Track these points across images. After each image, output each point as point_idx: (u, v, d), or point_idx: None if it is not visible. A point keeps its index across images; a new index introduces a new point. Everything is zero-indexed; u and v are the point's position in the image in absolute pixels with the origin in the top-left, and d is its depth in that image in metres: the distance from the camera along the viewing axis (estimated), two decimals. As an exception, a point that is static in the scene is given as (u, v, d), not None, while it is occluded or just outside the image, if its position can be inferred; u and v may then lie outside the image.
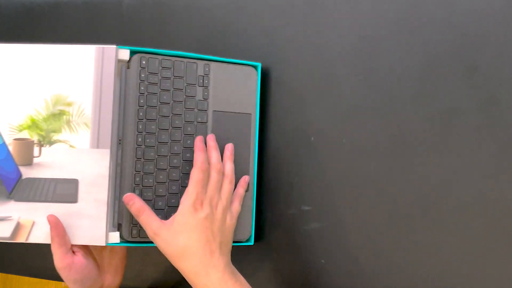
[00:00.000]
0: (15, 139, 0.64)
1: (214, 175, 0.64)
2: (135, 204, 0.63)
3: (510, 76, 0.63)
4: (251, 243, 0.70)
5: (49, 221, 0.61)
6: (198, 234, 0.60)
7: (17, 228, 0.62)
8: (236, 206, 0.66)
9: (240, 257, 0.67)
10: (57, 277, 0.79)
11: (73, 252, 0.63)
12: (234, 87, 0.69)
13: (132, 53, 0.66)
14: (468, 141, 0.64)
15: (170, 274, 0.77)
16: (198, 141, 0.66)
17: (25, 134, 0.64)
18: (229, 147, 0.68)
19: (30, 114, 0.64)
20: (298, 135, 0.71)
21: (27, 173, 0.64)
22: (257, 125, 0.70)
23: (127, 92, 0.65)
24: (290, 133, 0.71)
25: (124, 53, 0.65)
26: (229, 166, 0.67)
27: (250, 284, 0.62)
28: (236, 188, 0.68)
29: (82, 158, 0.64)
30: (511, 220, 0.63)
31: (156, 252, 0.75)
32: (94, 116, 0.64)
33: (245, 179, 0.69)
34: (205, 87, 0.68)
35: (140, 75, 0.65)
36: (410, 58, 0.67)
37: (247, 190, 0.69)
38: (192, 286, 0.60)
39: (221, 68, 0.69)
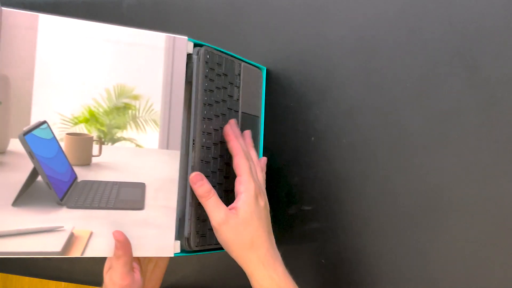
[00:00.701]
0: (68, 134, 0.53)
1: (252, 164, 0.61)
2: (205, 185, 0.57)
3: (510, 76, 0.63)
4: None
5: (117, 240, 0.54)
6: (264, 223, 0.58)
7: (71, 240, 0.52)
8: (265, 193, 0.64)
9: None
10: (57, 277, 0.79)
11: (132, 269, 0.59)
12: (250, 88, 0.68)
13: (195, 45, 0.60)
14: (468, 141, 0.64)
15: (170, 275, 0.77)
16: (230, 128, 0.61)
17: (81, 129, 0.53)
18: (249, 134, 0.65)
19: (88, 105, 0.53)
20: (298, 135, 0.71)
21: (84, 175, 0.54)
22: (262, 127, 0.70)
23: (195, 88, 0.58)
24: (290, 133, 0.71)
25: (190, 46, 0.58)
26: (254, 154, 0.63)
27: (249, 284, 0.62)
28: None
29: (150, 160, 0.56)
30: (511, 220, 0.63)
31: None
32: (164, 113, 0.56)
33: (265, 161, 0.67)
34: (237, 87, 0.64)
35: (205, 70, 0.58)
36: (410, 58, 0.67)
37: None
38: (254, 278, 0.57)
39: (246, 69, 0.67)
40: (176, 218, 0.57)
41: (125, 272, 0.56)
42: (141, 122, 0.56)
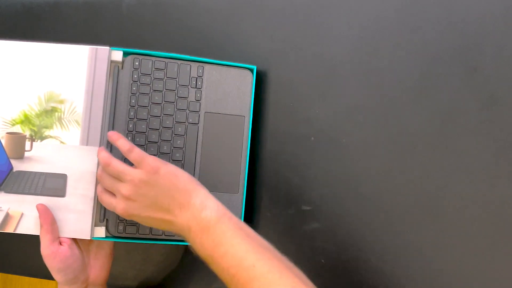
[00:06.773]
0: (7, 133, 0.66)
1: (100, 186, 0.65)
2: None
3: (510, 76, 0.63)
4: None
5: (38, 208, 0.64)
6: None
7: (6, 218, 0.65)
8: None
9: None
10: (57, 277, 0.79)
11: (60, 242, 0.65)
12: (228, 89, 0.70)
13: (126, 54, 0.68)
14: (468, 141, 0.64)
15: (170, 274, 0.77)
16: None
17: (17, 129, 0.66)
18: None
19: (23, 110, 0.66)
20: (298, 135, 0.71)
21: (18, 166, 0.66)
22: (250, 127, 0.70)
23: (119, 92, 0.67)
24: (290, 133, 0.71)
25: (117, 54, 0.67)
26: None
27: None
28: None
29: (72, 154, 0.66)
30: (511, 220, 0.63)
31: (156, 252, 0.75)
32: (85, 114, 0.66)
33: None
34: (198, 88, 0.68)
35: (132, 75, 0.67)
36: (410, 58, 0.67)
37: (236, 192, 0.69)
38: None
39: (215, 70, 0.69)
40: (99, 206, 0.66)
41: (49, 241, 0.63)
42: (65, 123, 0.66)
